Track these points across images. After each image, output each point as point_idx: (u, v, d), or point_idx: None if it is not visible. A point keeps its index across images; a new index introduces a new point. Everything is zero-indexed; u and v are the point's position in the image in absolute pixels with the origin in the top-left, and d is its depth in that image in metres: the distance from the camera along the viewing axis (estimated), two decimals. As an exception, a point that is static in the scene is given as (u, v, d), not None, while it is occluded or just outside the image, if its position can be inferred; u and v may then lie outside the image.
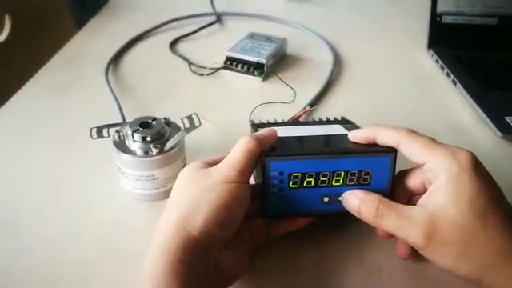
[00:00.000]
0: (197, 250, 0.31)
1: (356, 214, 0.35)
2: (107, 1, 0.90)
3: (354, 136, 0.37)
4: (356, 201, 0.34)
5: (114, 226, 0.41)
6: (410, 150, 0.34)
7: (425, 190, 0.34)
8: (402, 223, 0.32)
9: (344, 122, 0.47)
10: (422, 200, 0.33)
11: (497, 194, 0.32)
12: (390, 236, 0.35)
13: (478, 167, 0.32)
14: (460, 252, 0.30)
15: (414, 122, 0.56)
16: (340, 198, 0.36)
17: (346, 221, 0.41)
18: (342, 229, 0.40)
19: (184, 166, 0.43)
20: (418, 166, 0.35)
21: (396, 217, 0.32)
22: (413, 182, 0.36)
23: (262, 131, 0.36)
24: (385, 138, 0.35)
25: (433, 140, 0.34)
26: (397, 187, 0.36)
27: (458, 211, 0.30)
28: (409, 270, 0.37)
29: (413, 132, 0.35)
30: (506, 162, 0.50)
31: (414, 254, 0.36)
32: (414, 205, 0.34)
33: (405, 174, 0.36)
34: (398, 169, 0.37)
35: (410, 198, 0.36)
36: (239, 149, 0.34)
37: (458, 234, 0.30)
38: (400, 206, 0.33)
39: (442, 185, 0.31)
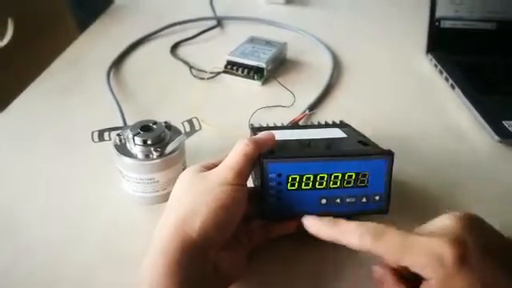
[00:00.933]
0: (195, 251, 0.31)
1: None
2: (109, 5, 0.90)
3: (310, 225, 0.34)
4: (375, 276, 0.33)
5: (115, 228, 0.42)
6: (383, 255, 0.30)
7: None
8: None
9: (342, 125, 0.47)
10: None
11: (494, 280, 0.28)
12: None
13: (466, 260, 0.28)
14: None
15: (411, 126, 0.57)
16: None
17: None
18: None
19: (184, 170, 0.44)
20: None
21: None
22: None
23: (260, 134, 0.37)
24: (347, 241, 0.32)
25: (404, 236, 0.30)
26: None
27: None
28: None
29: (378, 232, 0.30)
30: (503, 167, 0.50)
31: None
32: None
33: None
34: (396, 169, 0.37)
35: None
36: (237, 152, 0.34)
37: None
38: None
39: None
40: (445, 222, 0.31)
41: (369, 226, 0.31)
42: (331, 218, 0.33)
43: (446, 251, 0.28)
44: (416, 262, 0.29)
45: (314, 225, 0.34)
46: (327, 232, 0.33)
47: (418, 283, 0.30)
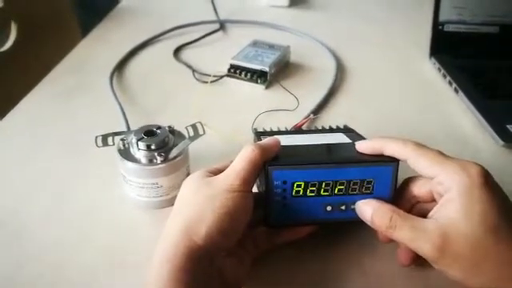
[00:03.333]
0: (200, 258, 0.31)
1: (369, 223, 0.35)
2: (112, 7, 0.90)
3: (361, 147, 0.37)
4: (369, 210, 0.35)
5: (118, 233, 0.42)
6: (419, 165, 0.34)
7: (431, 199, 0.34)
8: (414, 235, 0.32)
9: (346, 130, 0.47)
10: (434, 213, 0.33)
11: (509, 207, 0.32)
12: (390, 240, 0.35)
13: (488, 181, 0.32)
14: (472, 265, 0.30)
15: (415, 130, 0.57)
16: (353, 207, 0.36)
17: (346, 229, 0.41)
18: (343, 237, 0.41)
19: (188, 174, 0.44)
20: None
21: (409, 228, 0.32)
22: (420, 190, 0.36)
23: (266, 140, 0.37)
24: (392, 151, 0.35)
25: (441, 153, 0.34)
26: (403, 193, 0.37)
27: (469, 225, 0.30)
28: (409, 277, 0.38)
29: (420, 146, 0.35)
30: (507, 171, 0.50)
31: (415, 262, 0.36)
32: (418, 211, 0.35)
33: (412, 180, 0.37)
34: (401, 177, 0.37)
35: (414, 204, 0.37)
36: (243, 158, 0.34)
37: (470, 247, 0.30)
38: (413, 217, 0.33)
39: (453, 199, 0.32)
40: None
41: (411, 140, 0.35)
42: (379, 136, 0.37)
43: (475, 168, 0.32)
44: (448, 170, 0.32)
45: (365, 145, 0.37)
46: (377, 144, 0.36)
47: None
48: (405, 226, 0.32)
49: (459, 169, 0.32)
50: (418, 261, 0.35)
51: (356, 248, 0.40)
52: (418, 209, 0.36)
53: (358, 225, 0.36)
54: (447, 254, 0.30)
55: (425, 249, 0.31)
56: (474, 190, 0.31)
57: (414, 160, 0.34)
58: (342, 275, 0.38)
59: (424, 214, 0.33)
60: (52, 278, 0.37)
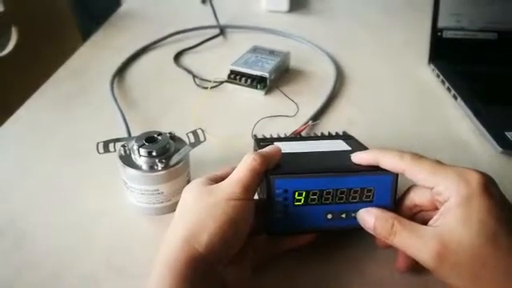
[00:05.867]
0: (202, 265, 0.31)
1: (371, 232, 0.35)
2: (112, 12, 0.91)
3: (357, 159, 0.37)
4: (372, 219, 0.35)
5: (119, 239, 0.42)
6: (416, 177, 0.34)
7: (434, 207, 0.35)
8: (414, 242, 0.32)
9: (346, 137, 0.47)
10: (434, 221, 0.33)
11: (509, 215, 0.32)
12: (389, 246, 0.35)
13: (488, 188, 0.32)
14: (471, 274, 0.30)
15: (414, 136, 0.57)
16: (354, 215, 0.36)
17: (346, 235, 0.41)
18: (343, 243, 0.41)
19: (188, 181, 0.44)
20: None
21: (408, 236, 0.32)
22: (421, 198, 0.36)
23: (267, 149, 0.37)
24: (388, 164, 0.35)
25: (439, 163, 0.34)
26: (405, 202, 0.37)
27: (468, 234, 0.30)
28: (409, 283, 0.38)
29: (416, 157, 0.35)
30: (506, 178, 0.50)
31: (413, 268, 0.36)
32: (421, 220, 0.35)
33: (414, 189, 0.37)
34: (402, 184, 0.37)
35: (417, 213, 0.37)
36: (245, 166, 0.34)
37: (469, 256, 0.30)
38: (414, 224, 0.33)
39: (452, 207, 0.32)
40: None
41: (408, 151, 0.35)
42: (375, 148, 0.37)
43: (474, 176, 0.32)
44: (446, 180, 0.32)
45: (361, 156, 0.37)
46: (372, 156, 0.36)
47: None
48: (404, 231, 0.33)
49: (457, 178, 0.32)
50: (417, 268, 0.35)
51: (356, 253, 0.40)
52: (420, 217, 0.36)
53: (358, 231, 0.36)
54: (446, 262, 0.31)
55: (424, 256, 0.31)
56: (473, 198, 0.31)
57: (411, 173, 0.34)
58: (343, 281, 0.38)
59: (427, 223, 0.34)
60: (52, 284, 0.37)
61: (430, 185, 0.33)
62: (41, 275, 0.38)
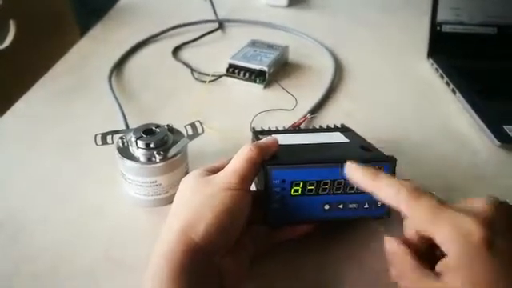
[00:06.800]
0: (199, 256, 0.31)
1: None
2: (111, 6, 0.90)
3: (352, 170, 0.34)
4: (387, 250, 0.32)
5: (117, 231, 0.42)
6: (412, 221, 0.31)
7: None
8: None
9: (344, 129, 0.47)
10: (440, 270, 0.29)
11: None
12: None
13: (491, 241, 0.27)
14: None
15: (413, 130, 0.57)
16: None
17: (344, 226, 0.41)
18: (342, 236, 0.41)
19: (186, 173, 0.44)
20: None
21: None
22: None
23: (264, 140, 0.37)
24: (382, 194, 0.32)
25: (438, 205, 0.30)
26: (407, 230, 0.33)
27: None
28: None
29: (415, 196, 0.30)
30: (504, 171, 0.50)
31: None
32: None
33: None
34: (397, 173, 0.37)
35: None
36: (241, 157, 0.35)
37: None
38: (422, 274, 0.29)
39: (455, 267, 0.28)
40: (481, 203, 0.30)
41: (407, 184, 0.31)
42: (371, 168, 0.33)
43: (475, 229, 0.27)
44: (443, 233, 0.28)
45: (355, 174, 0.34)
46: (367, 183, 0.33)
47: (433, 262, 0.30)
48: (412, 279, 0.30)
49: (455, 231, 0.28)
50: None
51: (355, 246, 0.40)
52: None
53: (356, 222, 0.36)
54: None
55: None
56: (475, 259, 0.27)
57: (406, 214, 0.31)
58: (341, 273, 0.38)
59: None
60: (50, 278, 0.38)
61: (427, 231, 0.30)
62: (39, 268, 0.38)
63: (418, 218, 0.30)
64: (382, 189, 0.32)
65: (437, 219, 0.29)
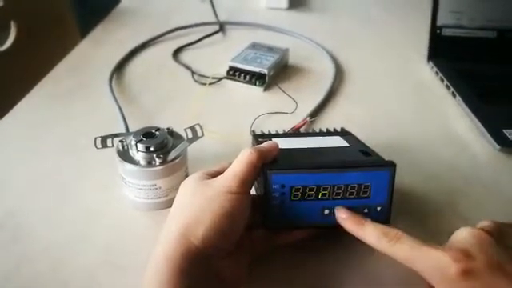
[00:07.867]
0: (198, 259, 0.31)
1: None
2: (111, 7, 0.91)
3: (342, 214, 0.36)
4: None
5: (117, 234, 0.42)
6: (396, 260, 0.32)
7: None
8: None
9: (344, 133, 0.47)
10: None
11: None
12: None
13: (470, 272, 0.29)
14: None
15: (412, 134, 0.57)
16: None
17: (345, 232, 0.41)
18: (342, 240, 0.41)
19: (186, 176, 0.44)
20: None
21: None
22: None
23: (264, 144, 0.37)
24: (368, 241, 0.34)
25: (417, 246, 0.31)
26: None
27: None
28: (409, 280, 0.37)
29: (393, 242, 0.32)
30: (503, 175, 0.50)
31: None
32: None
33: None
34: (396, 176, 0.37)
35: None
36: (241, 160, 0.35)
37: None
38: None
39: None
40: (461, 234, 0.32)
41: (386, 230, 0.33)
42: (358, 216, 0.35)
43: (450, 265, 0.29)
44: (422, 271, 0.31)
45: (345, 220, 0.36)
46: (353, 229, 0.35)
47: None
48: None
49: (432, 269, 0.30)
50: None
51: (355, 251, 0.40)
52: None
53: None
54: None
55: None
56: None
57: (391, 256, 0.32)
58: (341, 278, 0.38)
59: None
60: (50, 279, 0.38)
61: (413, 269, 0.31)
62: (39, 269, 0.38)
63: (401, 259, 0.32)
64: (367, 236, 0.34)
65: (416, 259, 0.31)
